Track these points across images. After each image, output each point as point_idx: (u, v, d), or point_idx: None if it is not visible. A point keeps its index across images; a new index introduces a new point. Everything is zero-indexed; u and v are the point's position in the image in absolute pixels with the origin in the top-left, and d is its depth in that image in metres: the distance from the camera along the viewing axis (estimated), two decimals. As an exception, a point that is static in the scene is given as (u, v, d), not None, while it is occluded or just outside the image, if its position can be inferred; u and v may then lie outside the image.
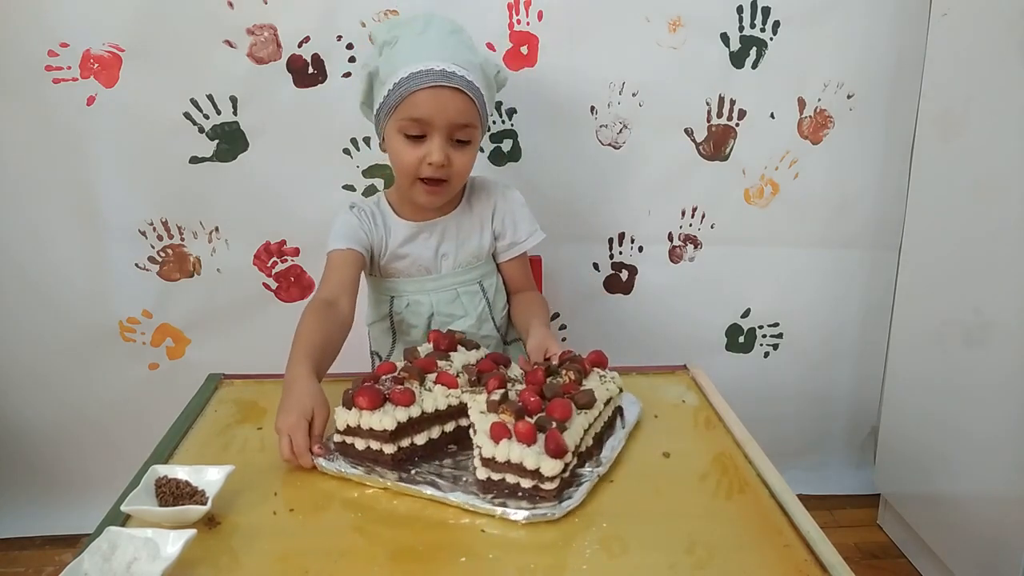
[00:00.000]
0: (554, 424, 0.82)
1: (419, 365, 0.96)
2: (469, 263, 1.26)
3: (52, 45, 1.43)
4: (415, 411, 0.89)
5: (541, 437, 0.81)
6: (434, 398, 0.91)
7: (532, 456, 0.79)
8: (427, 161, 1.11)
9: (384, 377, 0.93)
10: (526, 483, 0.81)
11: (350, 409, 0.88)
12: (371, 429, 0.87)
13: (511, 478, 0.82)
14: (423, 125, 1.11)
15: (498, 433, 0.82)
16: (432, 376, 0.95)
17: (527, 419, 0.83)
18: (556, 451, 0.79)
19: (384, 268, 1.24)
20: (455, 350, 1.03)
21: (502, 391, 0.89)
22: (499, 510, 0.79)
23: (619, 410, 0.99)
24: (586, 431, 0.87)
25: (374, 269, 1.25)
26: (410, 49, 1.12)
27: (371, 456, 0.88)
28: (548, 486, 0.80)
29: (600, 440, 0.92)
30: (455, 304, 1.25)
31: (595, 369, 0.98)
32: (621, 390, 0.98)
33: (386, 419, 0.87)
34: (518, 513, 0.79)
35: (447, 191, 1.18)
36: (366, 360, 1.34)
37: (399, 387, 0.91)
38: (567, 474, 0.83)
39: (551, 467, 0.79)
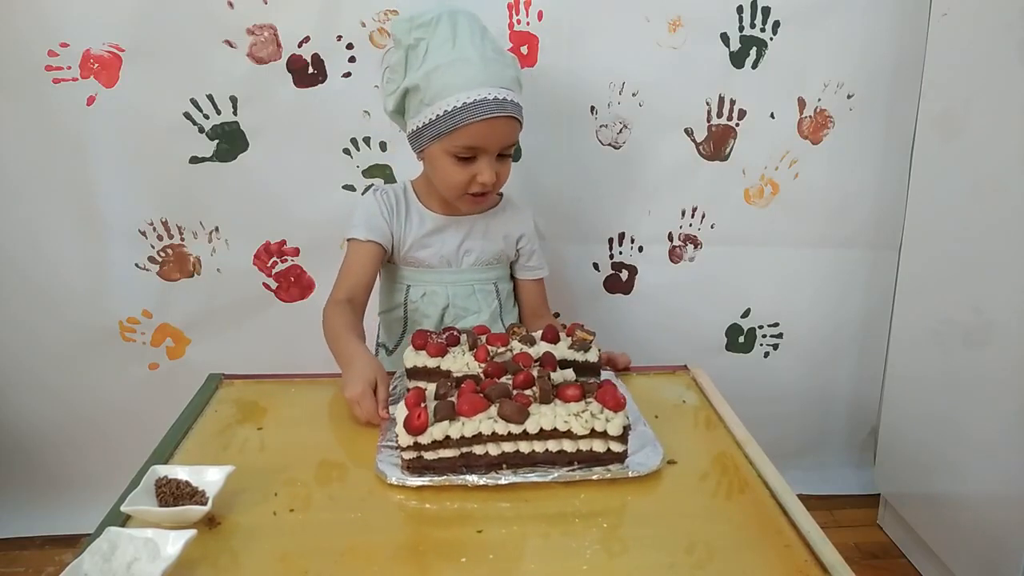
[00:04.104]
0: (437, 408, 0.86)
1: (492, 336, 1.05)
2: (489, 263, 1.29)
3: (52, 45, 1.42)
4: (432, 362, 1.01)
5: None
6: (453, 360, 1.01)
7: (400, 420, 0.87)
8: (478, 180, 1.15)
9: (448, 333, 1.06)
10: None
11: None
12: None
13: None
14: (475, 150, 1.13)
15: (411, 394, 0.90)
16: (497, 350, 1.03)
17: (423, 391, 0.91)
18: (408, 426, 0.85)
19: (405, 257, 1.26)
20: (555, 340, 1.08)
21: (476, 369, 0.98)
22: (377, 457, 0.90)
23: (616, 453, 0.88)
24: (482, 438, 0.85)
25: (393, 256, 1.27)
26: (451, 67, 1.11)
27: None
28: (405, 455, 0.87)
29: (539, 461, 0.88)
30: (471, 299, 1.27)
31: (589, 400, 0.89)
32: (621, 438, 0.87)
33: (412, 358, 1.02)
34: (380, 463, 0.89)
35: (491, 198, 1.24)
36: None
37: (441, 341, 1.03)
38: (431, 456, 0.86)
39: (404, 439, 0.86)
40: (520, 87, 1.18)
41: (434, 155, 1.17)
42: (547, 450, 0.87)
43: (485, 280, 1.29)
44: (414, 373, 1.03)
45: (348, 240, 1.24)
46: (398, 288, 1.28)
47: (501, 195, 1.32)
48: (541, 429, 0.86)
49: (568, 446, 0.87)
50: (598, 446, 0.87)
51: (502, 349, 1.03)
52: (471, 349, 1.03)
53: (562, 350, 1.06)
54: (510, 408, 0.86)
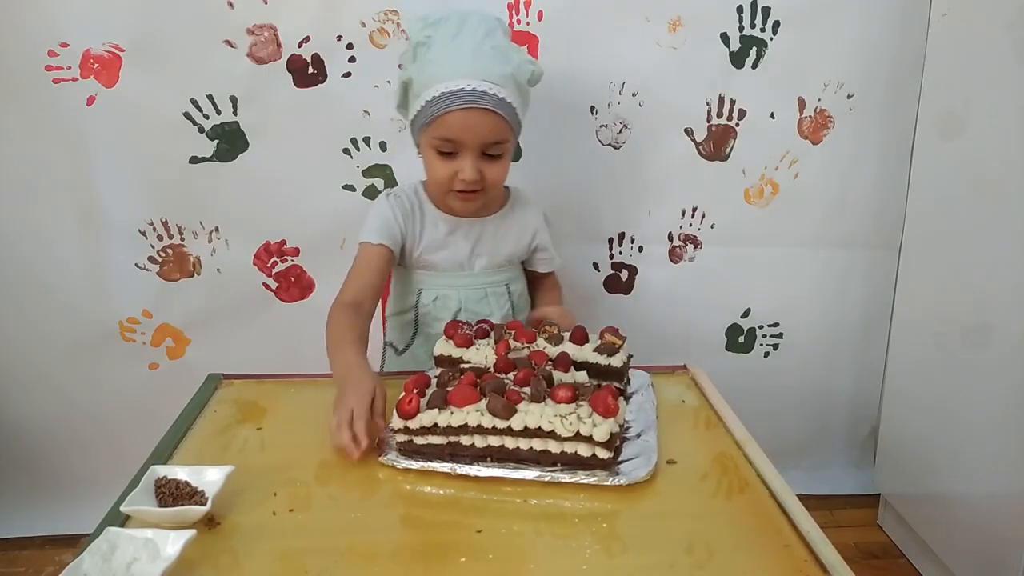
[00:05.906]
0: (432, 396, 0.90)
1: (523, 333, 1.07)
2: (501, 265, 1.28)
3: (52, 45, 1.42)
4: (457, 352, 1.04)
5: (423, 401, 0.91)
6: (476, 351, 1.03)
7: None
8: (460, 177, 1.13)
9: (480, 326, 1.09)
10: None
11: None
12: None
13: None
14: (454, 144, 1.12)
15: (412, 378, 0.95)
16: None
17: (426, 377, 0.95)
18: (399, 410, 0.89)
19: (418, 260, 1.25)
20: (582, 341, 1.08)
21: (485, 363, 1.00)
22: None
23: (601, 460, 0.87)
24: (468, 429, 0.87)
25: (404, 260, 1.26)
26: (442, 60, 1.11)
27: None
28: (397, 437, 0.91)
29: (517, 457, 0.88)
30: (483, 303, 1.26)
31: (581, 404, 0.88)
32: (607, 444, 0.85)
33: (440, 346, 1.06)
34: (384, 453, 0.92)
35: (481, 198, 1.20)
36: (376, 353, 1.33)
37: (469, 332, 1.06)
38: (420, 440, 0.89)
39: (395, 422, 0.89)
40: (516, 87, 1.14)
41: (423, 148, 1.17)
42: (532, 448, 0.87)
43: (497, 283, 1.27)
44: (440, 361, 1.06)
45: (360, 244, 1.21)
46: (410, 292, 1.27)
47: (508, 191, 1.29)
48: (526, 427, 0.86)
49: (553, 447, 0.87)
50: (583, 450, 0.86)
51: (521, 345, 1.04)
52: (496, 343, 1.05)
53: (587, 352, 1.05)
54: (497, 403, 0.87)
